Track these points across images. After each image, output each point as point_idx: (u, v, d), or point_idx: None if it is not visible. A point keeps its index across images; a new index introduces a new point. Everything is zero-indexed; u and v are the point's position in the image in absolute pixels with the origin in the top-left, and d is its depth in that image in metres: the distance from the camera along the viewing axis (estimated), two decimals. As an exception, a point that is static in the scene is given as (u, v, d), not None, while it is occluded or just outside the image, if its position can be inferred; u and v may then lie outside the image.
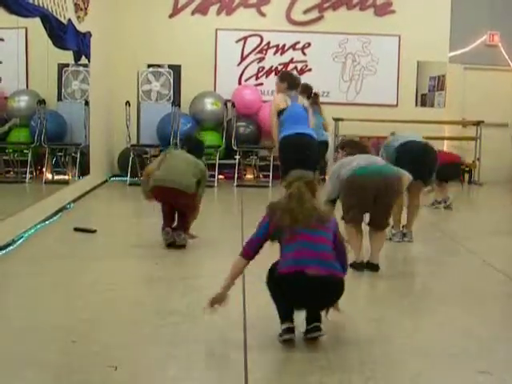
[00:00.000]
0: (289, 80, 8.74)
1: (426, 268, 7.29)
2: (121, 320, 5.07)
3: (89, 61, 10.90)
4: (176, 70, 13.77)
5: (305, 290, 4.45)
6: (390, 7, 14.16)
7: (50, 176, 11.20)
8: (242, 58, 14.13)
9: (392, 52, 14.19)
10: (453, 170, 10.83)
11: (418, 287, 6.69)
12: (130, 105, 12.81)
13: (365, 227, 6.84)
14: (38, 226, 8.22)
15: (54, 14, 9.04)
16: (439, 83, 14.46)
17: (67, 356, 4.32)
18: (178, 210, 7.58)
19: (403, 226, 8.21)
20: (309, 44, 14.02)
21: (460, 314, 5.48)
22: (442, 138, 13.86)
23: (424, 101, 14.49)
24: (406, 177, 6.80)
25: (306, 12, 14.08)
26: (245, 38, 14.07)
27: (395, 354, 4.55)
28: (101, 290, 5.86)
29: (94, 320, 5.03)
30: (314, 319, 4.58)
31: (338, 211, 6.67)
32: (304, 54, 14.10)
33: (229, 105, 13.54)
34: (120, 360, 4.24)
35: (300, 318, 4.62)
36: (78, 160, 11.08)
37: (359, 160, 6.76)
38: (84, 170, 11.18)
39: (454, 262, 7.60)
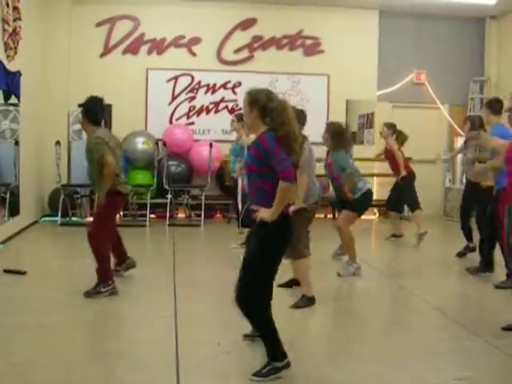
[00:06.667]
0: None
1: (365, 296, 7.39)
2: (53, 362, 4.98)
3: (19, 100, 10.80)
4: (107, 109, 13.66)
5: None
6: (319, 47, 14.45)
7: (-22, 217, 11.00)
8: (173, 97, 14.17)
9: (321, 91, 14.42)
10: None
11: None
12: (60, 144, 12.72)
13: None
14: (-33, 268, 8.05)
15: (-17, 53, 8.96)
16: (368, 121, 14.74)
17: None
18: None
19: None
20: (239, 83, 14.14)
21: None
22: (372, 175, 14.06)
23: (354, 139, 14.68)
24: None
25: (236, 52, 14.26)
26: (176, 78, 14.13)
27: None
28: (32, 332, 5.77)
29: (24, 364, 4.93)
30: None
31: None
32: (234, 93, 14.22)
33: (160, 144, 13.53)
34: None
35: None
36: (7, 200, 10.89)
37: None
38: (13, 211, 11.00)
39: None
